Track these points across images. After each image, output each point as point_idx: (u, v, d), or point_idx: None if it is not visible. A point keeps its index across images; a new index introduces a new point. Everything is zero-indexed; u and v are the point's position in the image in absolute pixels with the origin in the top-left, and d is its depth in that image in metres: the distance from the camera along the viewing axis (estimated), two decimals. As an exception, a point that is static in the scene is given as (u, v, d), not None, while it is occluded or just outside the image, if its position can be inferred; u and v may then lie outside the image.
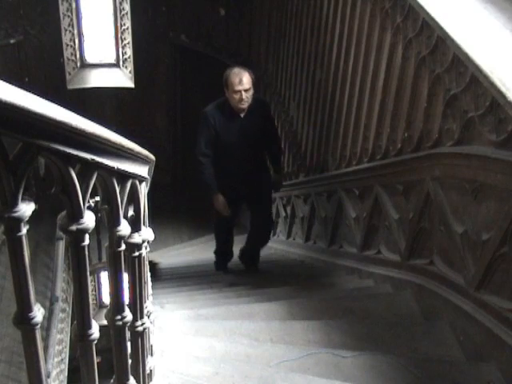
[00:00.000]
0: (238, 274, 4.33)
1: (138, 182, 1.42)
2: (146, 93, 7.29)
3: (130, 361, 1.49)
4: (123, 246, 1.35)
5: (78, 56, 6.92)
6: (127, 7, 6.80)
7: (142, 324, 1.59)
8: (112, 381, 1.50)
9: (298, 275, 4.05)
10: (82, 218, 1.04)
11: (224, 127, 3.63)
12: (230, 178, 3.80)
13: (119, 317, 1.38)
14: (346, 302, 2.94)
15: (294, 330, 2.51)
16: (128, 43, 7.00)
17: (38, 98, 0.87)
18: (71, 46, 6.83)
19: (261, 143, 3.80)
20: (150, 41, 6.94)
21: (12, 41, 6.46)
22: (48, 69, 6.80)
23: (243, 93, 3.48)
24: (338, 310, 2.83)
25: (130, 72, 7.16)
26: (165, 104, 7.55)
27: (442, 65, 2.33)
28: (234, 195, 3.87)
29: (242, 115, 3.64)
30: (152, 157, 1.65)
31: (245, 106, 3.55)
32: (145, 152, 1.50)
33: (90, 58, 7.07)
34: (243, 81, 3.49)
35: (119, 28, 6.92)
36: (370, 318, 2.76)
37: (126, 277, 1.45)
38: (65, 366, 3.41)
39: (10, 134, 0.83)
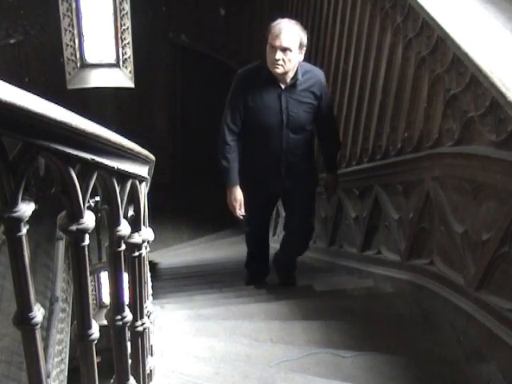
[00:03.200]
0: (271, 287, 3.47)
1: (137, 182, 1.42)
2: (146, 93, 7.28)
3: (129, 361, 1.49)
4: (123, 246, 1.35)
5: (78, 56, 6.92)
6: (127, 7, 6.79)
7: (142, 324, 1.59)
8: (112, 381, 1.50)
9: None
10: (82, 217, 1.04)
11: (258, 99, 2.78)
12: (262, 171, 2.97)
13: (119, 317, 1.38)
14: (346, 301, 2.94)
15: (294, 330, 2.51)
16: (128, 43, 7.00)
17: (37, 98, 0.87)
18: (71, 46, 6.82)
19: (308, 129, 2.92)
20: (150, 41, 6.93)
21: (12, 41, 6.46)
22: (48, 69, 6.79)
23: (279, 53, 2.59)
24: (338, 310, 2.83)
25: (130, 72, 7.16)
26: (165, 104, 7.55)
27: (441, 65, 2.33)
28: (266, 193, 3.08)
29: (283, 86, 2.76)
30: (152, 157, 1.65)
31: (280, 71, 2.65)
32: (145, 152, 1.50)
33: (90, 57, 7.07)
34: (283, 36, 2.58)
35: (119, 28, 6.92)
36: (369, 317, 2.76)
37: (126, 277, 1.45)
38: (65, 366, 3.41)
39: (10, 133, 0.83)
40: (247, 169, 2.96)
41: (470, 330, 2.22)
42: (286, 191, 3.07)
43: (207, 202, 6.89)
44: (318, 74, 2.89)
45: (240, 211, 2.94)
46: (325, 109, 2.92)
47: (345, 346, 2.33)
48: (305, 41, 2.67)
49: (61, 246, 4.41)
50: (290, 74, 2.72)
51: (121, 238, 1.32)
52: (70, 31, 6.72)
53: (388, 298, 2.91)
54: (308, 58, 4.67)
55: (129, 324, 1.43)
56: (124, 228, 1.32)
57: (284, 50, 2.59)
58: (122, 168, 1.24)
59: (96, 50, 7.08)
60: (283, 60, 2.61)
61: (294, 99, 2.78)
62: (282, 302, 2.93)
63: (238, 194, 2.92)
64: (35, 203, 0.92)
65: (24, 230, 0.91)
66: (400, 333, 2.49)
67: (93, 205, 1.26)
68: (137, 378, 1.57)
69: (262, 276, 3.53)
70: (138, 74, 7.11)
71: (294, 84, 2.76)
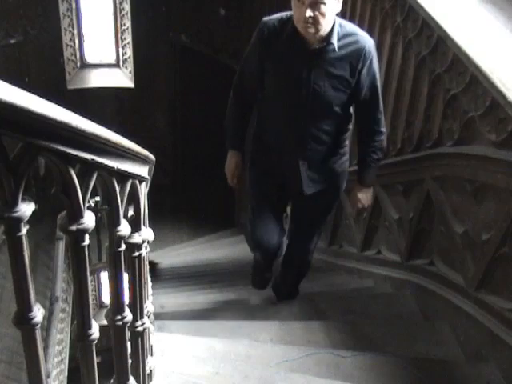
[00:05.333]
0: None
1: (138, 182, 1.42)
2: (146, 93, 7.28)
3: (129, 361, 1.49)
4: (123, 246, 1.35)
5: (78, 56, 6.92)
6: (127, 7, 6.79)
7: (142, 324, 1.59)
8: (112, 381, 1.50)
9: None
10: (82, 218, 1.04)
11: (276, 61, 2.17)
12: (277, 158, 2.37)
13: (119, 317, 1.38)
14: (346, 301, 2.94)
15: (294, 330, 2.51)
16: (128, 43, 7.00)
17: (37, 98, 0.87)
18: (71, 46, 6.82)
19: (340, 113, 2.22)
20: (149, 41, 6.93)
21: (12, 41, 6.45)
22: (48, 69, 6.79)
23: (308, 10, 1.95)
24: (338, 309, 2.83)
25: (130, 72, 7.16)
26: (165, 104, 7.55)
27: (441, 65, 2.33)
28: (280, 177, 2.44)
29: (312, 47, 2.10)
30: (152, 157, 1.65)
31: (312, 31, 2.01)
32: (145, 152, 1.50)
33: (89, 58, 7.07)
34: None
35: (119, 28, 6.92)
36: (369, 317, 2.76)
37: (126, 277, 1.45)
38: (65, 366, 3.41)
39: (10, 133, 0.83)
40: (259, 153, 2.45)
41: (469, 330, 2.22)
42: (300, 191, 2.38)
43: (207, 202, 6.90)
44: (364, 40, 2.13)
45: (233, 181, 2.48)
46: (366, 91, 2.19)
47: (345, 346, 2.33)
48: None
49: (61, 246, 4.41)
50: (323, 33, 2.04)
51: (121, 238, 1.32)
52: (69, 31, 6.72)
53: (388, 298, 2.91)
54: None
55: (129, 324, 1.43)
56: (124, 228, 1.32)
57: (314, 4, 1.95)
58: (122, 168, 1.24)
59: (96, 50, 7.07)
60: (314, 17, 1.96)
61: (321, 68, 2.11)
62: (282, 302, 2.93)
63: (232, 163, 2.42)
64: (35, 203, 0.92)
65: (24, 229, 0.91)
66: (400, 333, 2.49)
67: (93, 205, 1.26)
68: (137, 378, 1.57)
69: (266, 277, 2.99)
70: (137, 74, 7.11)
71: (324, 48, 2.09)
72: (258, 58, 2.20)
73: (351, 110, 2.31)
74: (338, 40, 2.09)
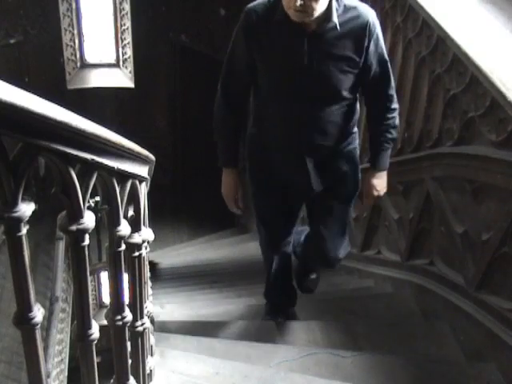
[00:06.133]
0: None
1: (138, 182, 1.42)
2: (146, 93, 7.28)
3: (130, 361, 1.49)
4: (123, 246, 1.35)
5: (78, 56, 6.92)
6: (127, 7, 6.79)
7: (142, 324, 1.59)
8: (112, 381, 1.50)
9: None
10: (82, 218, 1.04)
11: (268, 51, 1.89)
12: (278, 158, 2.10)
13: (119, 317, 1.38)
14: (346, 302, 2.94)
15: (294, 330, 2.51)
16: (128, 43, 7.00)
17: (37, 98, 0.87)
18: (71, 46, 6.82)
19: (348, 98, 1.98)
20: (149, 41, 6.93)
21: (12, 41, 6.45)
22: (48, 69, 6.79)
23: None
24: (338, 309, 2.83)
25: (130, 72, 7.16)
26: (165, 104, 7.54)
27: (441, 65, 2.33)
28: (283, 190, 2.19)
29: (309, 29, 1.83)
30: (152, 157, 1.65)
31: (304, 17, 1.76)
32: (145, 152, 1.50)
33: (90, 57, 7.07)
34: None
35: (119, 28, 6.92)
36: (370, 317, 2.76)
37: (126, 277, 1.45)
38: (65, 366, 3.41)
39: (10, 134, 0.83)
40: (256, 152, 2.15)
41: (469, 330, 2.22)
42: (309, 192, 2.15)
43: (207, 202, 6.89)
44: (366, 13, 1.87)
45: (234, 207, 2.18)
46: (375, 68, 1.95)
47: (345, 346, 2.33)
48: None
49: (61, 245, 4.41)
50: (318, 14, 1.77)
51: (121, 238, 1.32)
52: (70, 31, 6.72)
53: (388, 298, 2.91)
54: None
55: (129, 324, 1.43)
56: (124, 228, 1.32)
57: None
58: (122, 168, 1.24)
59: (96, 49, 7.08)
60: (305, 3, 1.70)
61: (323, 51, 1.85)
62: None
63: (230, 184, 2.14)
64: (35, 203, 0.92)
65: (24, 230, 0.91)
66: (400, 333, 2.49)
67: (93, 205, 1.26)
68: (137, 378, 1.57)
69: (286, 307, 2.61)
70: (137, 74, 7.11)
71: (324, 28, 1.82)
72: (246, 50, 1.90)
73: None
74: (338, 17, 1.82)
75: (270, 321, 2.53)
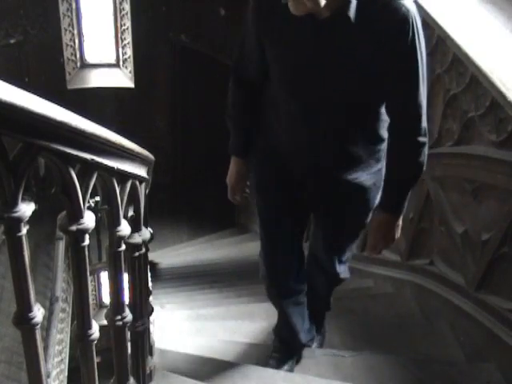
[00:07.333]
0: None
1: (138, 183, 1.42)
2: (146, 93, 7.28)
3: (130, 361, 1.49)
4: (123, 246, 1.35)
5: (78, 56, 6.92)
6: (127, 7, 6.79)
7: (142, 324, 1.59)
8: (112, 381, 1.50)
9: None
10: (82, 218, 1.04)
11: (276, 38, 1.53)
12: (287, 153, 1.73)
13: (119, 317, 1.38)
14: (346, 301, 2.94)
15: (294, 330, 2.51)
16: (128, 43, 6.99)
17: (37, 98, 0.87)
18: (71, 46, 6.82)
19: (369, 108, 1.58)
20: (149, 41, 6.93)
21: (12, 41, 6.45)
22: (48, 69, 6.79)
23: None
24: (338, 309, 2.82)
25: (130, 72, 7.16)
26: (165, 104, 7.54)
27: (442, 65, 2.33)
28: (287, 196, 1.83)
29: (321, 17, 1.42)
30: (152, 157, 1.65)
31: (300, 12, 1.38)
32: (145, 152, 1.50)
33: (90, 57, 7.07)
34: None
35: (119, 28, 6.91)
36: (369, 317, 2.76)
37: (126, 277, 1.45)
38: (65, 366, 3.41)
39: (10, 134, 0.83)
40: (261, 153, 1.83)
41: (470, 330, 2.22)
42: (316, 203, 1.85)
43: (207, 202, 6.89)
44: (400, 5, 1.37)
45: (234, 197, 1.91)
46: (402, 81, 1.49)
47: (345, 346, 2.33)
48: None
49: (61, 246, 4.42)
50: (323, 3, 1.35)
51: (121, 238, 1.32)
52: (70, 31, 6.72)
53: (388, 298, 2.91)
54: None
55: (129, 324, 1.43)
56: (124, 228, 1.32)
57: None
58: (122, 168, 1.24)
59: (96, 49, 7.07)
60: None
61: (337, 45, 1.44)
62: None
63: (234, 174, 1.87)
64: (35, 203, 0.92)
65: (24, 229, 0.91)
66: (400, 333, 2.49)
67: (93, 205, 1.26)
68: (137, 378, 1.57)
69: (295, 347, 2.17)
70: (137, 74, 7.11)
71: (339, 15, 1.39)
72: (257, 34, 1.57)
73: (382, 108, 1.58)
74: (359, 6, 1.37)
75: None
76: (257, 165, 1.87)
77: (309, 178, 1.72)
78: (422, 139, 1.56)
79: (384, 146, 1.68)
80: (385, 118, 1.61)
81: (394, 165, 1.64)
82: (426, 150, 1.58)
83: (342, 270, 2.02)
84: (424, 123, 1.55)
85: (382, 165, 1.71)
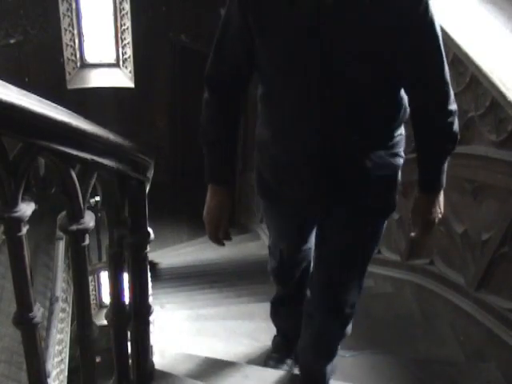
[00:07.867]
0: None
1: (138, 183, 1.42)
2: (145, 93, 7.28)
3: (130, 361, 1.49)
4: (123, 246, 1.35)
5: (78, 56, 6.92)
6: (127, 7, 6.79)
7: (142, 324, 1.58)
8: (112, 381, 1.50)
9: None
10: (82, 218, 1.04)
11: (268, 24, 1.28)
12: (287, 175, 1.51)
13: (119, 317, 1.38)
14: (346, 301, 2.93)
15: (294, 329, 2.51)
16: (128, 43, 7.00)
17: (37, 98, 0.87)
18: (71, 46, 6.82)
19: (387, 97, 1.43)
20: (150, 41, 6.93)
21: (12, 41, 6.45)
22: (48, 69, 6.79)
23: None
24: (338, 309, 2.82)
25: (130, 72, 7.16)
26: (165, 104, 7.54)
27: (441, 65, 2.33)
28: (294, 213, 1.65)
29: None
30: (152, 157, 1.65)
31: None
32: (145, 152, 1.50)
33: (90, 57, 7.07)
34: None
35: (119, 28, 6.92)
36: (370, 317, 2.76)
37: (126, 277, 1.45)
38: (65, 366, 3.41)
39: (10, 133, 0.83)
40: (262, 164, 1.58)
41: (470, 330, 2.22)
42: (326, 214, 1.63)
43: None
44: None
45: (219, 237, 1.54)
46: (422, 58, 1.36)
47: (345, 346, 2.32)
48: None
49: (61, 246, 4.42)
50: None
51: (121, 238, 1.32)
52: (70, 31, 6.72)
53: (388, 298, 2.91)
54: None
55: (129, 324, 1.43)
56: (124, 228, 1.32)
57: None
58: (122, 168, 1.24)
59: (96, 50, 7.08)
60: None
61: (345, 26, 1.23)
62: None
63: (216, 206, 1.53)
64: (35, 203, 0.92)
65: (24, 229, 0.91)
66: (400, 333, 2.49)
67: (93, 205, 1.26)
68: (137, 378, 1.57)
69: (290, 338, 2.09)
70: (138, 74, 7.11)
71: None
72: (242, 25, 1.33)
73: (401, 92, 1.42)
74: None
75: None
76: (264, 192, 1.64)
77: (321, 178, 1.48)
78: (453, 107, 1.44)
79: (401, 131, 1.62)
80: (400, 102, 1.48)
81: (429, 140, 1.58)
82: (456, 119, 1.46)
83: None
84: (451, 90, 1.42)
85: (400, 150, 1.66)
